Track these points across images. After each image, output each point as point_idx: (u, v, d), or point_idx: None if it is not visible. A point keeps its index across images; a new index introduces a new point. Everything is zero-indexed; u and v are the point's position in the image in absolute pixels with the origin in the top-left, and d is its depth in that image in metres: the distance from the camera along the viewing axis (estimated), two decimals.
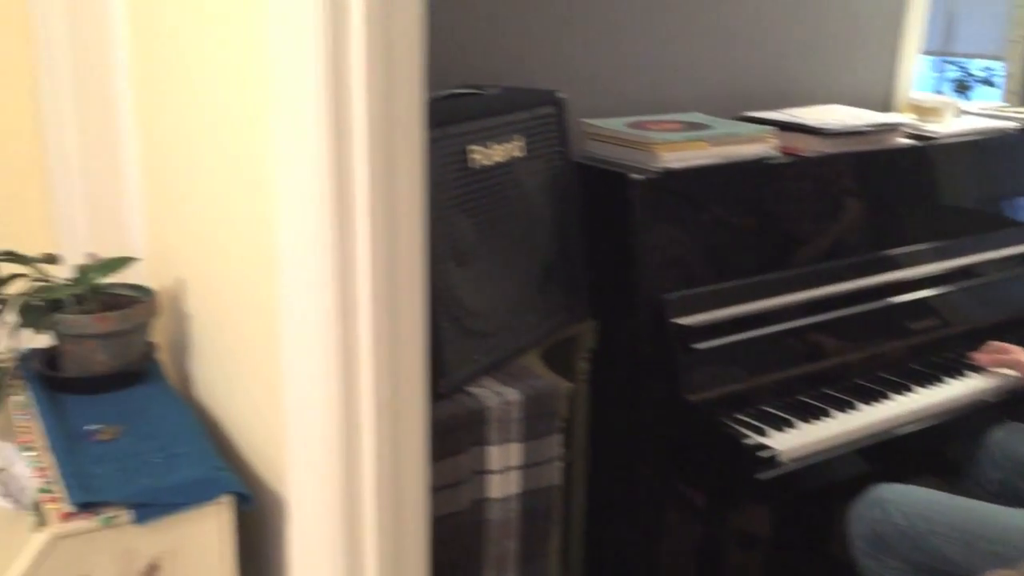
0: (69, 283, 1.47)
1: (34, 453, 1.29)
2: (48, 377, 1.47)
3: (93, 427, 1.34)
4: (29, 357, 1.51)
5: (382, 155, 1.05)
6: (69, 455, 1.25)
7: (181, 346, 1.60)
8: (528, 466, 1.52)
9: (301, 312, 1.11)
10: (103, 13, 1.71)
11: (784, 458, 1.66)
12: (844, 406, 1.82)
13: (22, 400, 1.43)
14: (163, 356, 1.59)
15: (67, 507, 1.15)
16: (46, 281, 1.49)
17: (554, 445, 1.55)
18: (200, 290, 1.50)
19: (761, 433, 1.71)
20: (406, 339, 1.13)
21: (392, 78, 1.04)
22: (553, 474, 1.56)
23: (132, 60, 1.63)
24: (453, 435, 1.42)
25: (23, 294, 1.47)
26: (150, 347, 1.54)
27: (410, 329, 1.14)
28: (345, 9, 0.99)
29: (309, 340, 1.11)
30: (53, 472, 1.22)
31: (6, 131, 2.37)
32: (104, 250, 1.61)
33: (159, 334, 1.59)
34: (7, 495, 1.48)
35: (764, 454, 1.65)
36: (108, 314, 1.45)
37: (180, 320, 1.58)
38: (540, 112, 1.68)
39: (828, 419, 1.78)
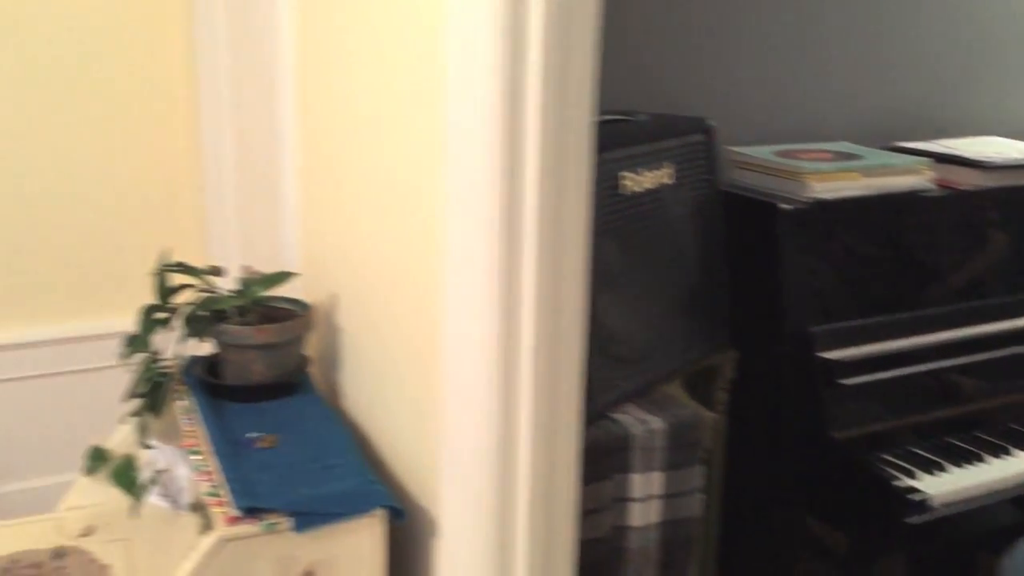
0: (233, 295, 1.53)
1: (200, 457, 1.35)
2: (209, 384, 1.54)
3: (253, 435, 1.39)
4: (192, 364, 1.58)
5: (552, 180, 1.06)
6: (232, 461, 1.31)
7: (331, 359, 1.65)
8: (669, 496, 1.51)
9: (463, 334, 1.13)
10: (268, 32, 1.79)
11: (936, 503, 1.60)
12: (998, 451, 1.74)
13: (186, 405, 1.50)
14: (313, 368, 1.65)
15: (232, 511, 1.20)
16: (211, 292, 1.56)
17: (696, 476, 1.53)
18: (353, 306, 1.54)
19: (910, 475, 1.65)
20: (565, 362, 1.14)
21: (565, 104, 1.05)
22: (694, 505, 1.54)
23: (296, 82, 1.70)
24: (596, 461, 1.42)
25: (190, 304, 1.55)
26: (304, 359, 1.59)
27: (569, 352, 1.15)
28: (523, 37, 1.01)
29: (470, 362, 1.13)
30: (218, 476, 1.28)
31: (165, 146, 2.51)
32: (256, 263, 1.68)
33: (311, 347, 1.64)
34: (165, 495, 1.55)
35: (915, 497, 1.59)
36: (268, 326, 1.51)
37: (331, 334, 1.63)
38: (690, 140, 1.67)
39: (982, 464, 1.71)
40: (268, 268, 1.62)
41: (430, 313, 1.23)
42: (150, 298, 2.27)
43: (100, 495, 1.58)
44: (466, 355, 1.13)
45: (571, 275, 1.12)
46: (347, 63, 1.45)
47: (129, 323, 2.50)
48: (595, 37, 1.08)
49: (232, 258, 2.18)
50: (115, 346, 2.53)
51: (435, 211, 1.19)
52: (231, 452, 1.33)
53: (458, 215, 1.11)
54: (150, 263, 2.57)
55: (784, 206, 1.73)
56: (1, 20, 2.34)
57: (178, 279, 1.55)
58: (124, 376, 2.54)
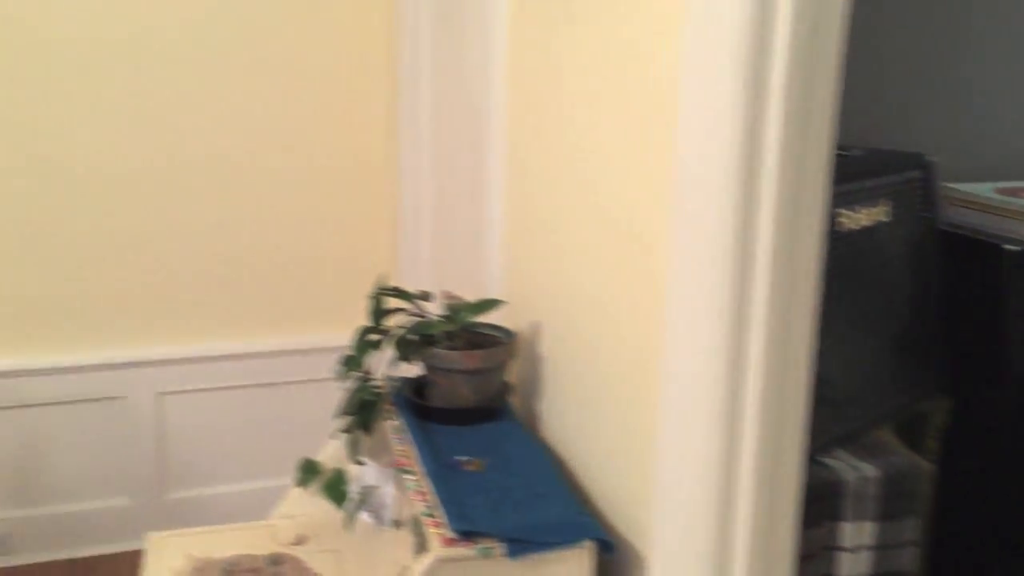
0: (442, 320, 1.58)
1: (413, 477, 1.39)
2: (417, 405, 1.59)
3: (462, 458, 1.43)
4: (400, 385, 1.64)
5: (787, 221, 1.04)
6: (445, 483, 1.34)
7: (532, 387, 1.67)
8: (881, 547, 1.44)
9: (685, 373, 1.12)
10: (476, 67, 1.85)
11: None
12: None
13: (396, 424, 1.55)
14: (513, 395, 1.67)
15: (448, 533, 1.23)
16: (421, 317, 1.61)
17: (911, 528, 1.45)
18: (557, 336, 1.56)
19: None
20: (790, 404, 1.12)
21: (804, 142, 1.03)
22: (907, 559, 1.46)
23: (505, 117, 1.74)
24: (807, 507, 1.37)
25: (400, 327, 1.61)
26: (506, 386, 1.62)
27: (795, 394, 1.12)
28: (765, 80, 1.00)
29: (691, 402, 1.11)
30: (432, 497, 1.31)
31: (368, 180, 2.62)
32: (456, 288, 1.72)
33: (512, 374, 1.67)
34: (370, 511, 1.61)
35: None
36: (475, 352, 1.55)
37: (533, 362, 1.66)
38: (908, 176, 1.61)
39: None
40: (465, 294, 1.67)
41: (647, 349, 1.23)
42: (352, 317, 2.37)
43: (310, 506, 1.65)
44: (688, 395, 1.12)
45: (801, 315, 1.10)
46: (564, 102, 1.47)
47: (329, 339, 2.64)
48: (838, 78, 1.05)
49: (422, 282, 2.26)
50: (316, 360, 2.68)
51: (656, 249, 1.19)
52: (443, 474, 1.37)
53: (684, 254, 1.11)
54: (350, 286, 2.71)
55: (1009, 247, 1.63)
56: (229, 67, 2.51)
57: (391, 303, 1.61)
58: (326, 389, 2.67)
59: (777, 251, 1.05)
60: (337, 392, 2.73)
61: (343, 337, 2.70)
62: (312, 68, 2.56)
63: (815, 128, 1.04)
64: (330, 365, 2.70)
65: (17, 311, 2.50)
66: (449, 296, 1.68)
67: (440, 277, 2.25)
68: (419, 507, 1.31)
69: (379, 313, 1.58)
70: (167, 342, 2.61)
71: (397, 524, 1.56)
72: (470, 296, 1.67)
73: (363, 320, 2.74)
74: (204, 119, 2.51)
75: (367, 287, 2.68)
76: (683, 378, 1.13)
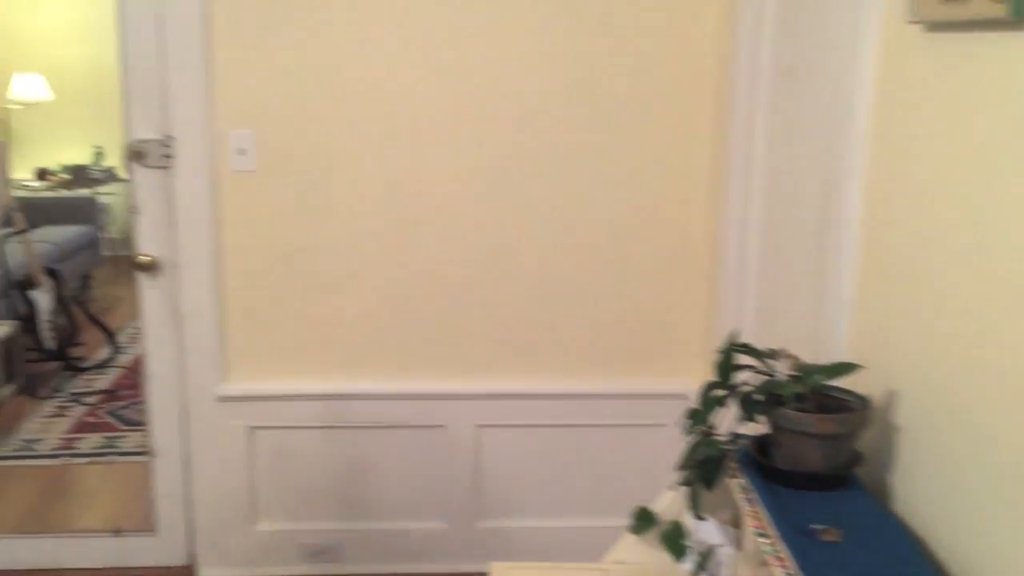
0: (793, 381, 1.55)
1: (767, 540, 1.36)
2: (761, 465, 1.56)
3: (818, 526, 1.38)
4: (743, 442, 1.62)
5: None
6: (803, 551, 1.30)
7: (885, 458, 1.59)
8: None
9: None
10: (823, 121, 1.81)
11: None
12: None
13: (741, 483, 1.53)
14: (864, 465, 1.60)
15: None
16: (770, 375, 1.59)
17: None
18: (921, 406, 1.48)
19: None
20: None
21: None
22: None
23: (868, 170, 1.69)
24: None
25: (746, 384, 1.59)
26: (857, 455, 1.55)
27: None
28: None
29: None
30: (791, 565, 1.28)
31: (684, 227, 2.63)
32: (788, 346, 1.68)
33: (862, 442, 1.60)
34: (705, 570, 1.60)
35: None
36: (830, 416, 1.50)
37: (887, 431, 1.58)
38: None
39: None
40: (799, 352, 1.62)
41: None
42: (667, 365, 2.37)
43: (642, 554, 1.66)
44: None
45: None
46: (959, 157, 1.40)
47: (644, 385, 2.67)
48: None
49: (744, 338, 2.22)
50: (629, 405, 2.72)
51: None
52: (800, 542, 1.33)
53: None
54: (665, 334, 2.73)
55: None
56: (565, 121, 2.64)
57: (740, 359, 1.60)
58: (638, 434, 2.70)
59: None
60: (648, 439, 2.77)
61: (659, 385, 2.74)
62: (639, 122, 2.63)
63: None
64: (642, 411, 2.75)
65: (355, 340, 2.74)
66: (788, 355, 1.64)
67: (765, 333, 2.21)
68: (778, 573, 1.28)
69: (728, 369, 1.58)
70: (489, 378, 2.75)
71: None
72: (806, 356, 1.62)
73: (678, 369, 2.76)
74: (540, 170, 2.65)
75: (682, 336, 2.72)
76: None
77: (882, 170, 1.63)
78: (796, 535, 1.35)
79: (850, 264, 1.73)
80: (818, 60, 1.89)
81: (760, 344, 1.64)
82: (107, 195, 6.79)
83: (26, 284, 4.73)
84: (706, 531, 1.61)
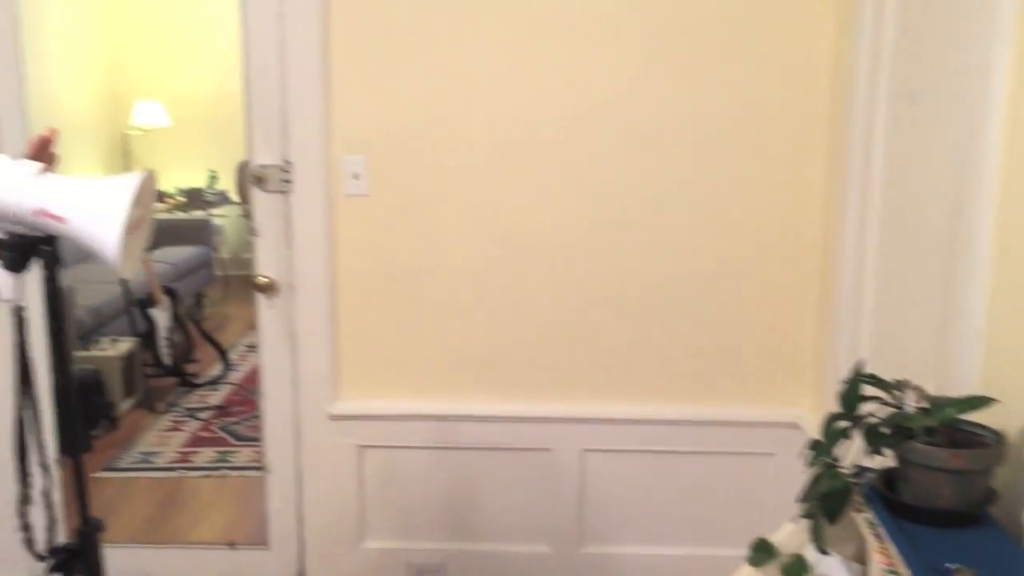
0: (922, 414, 1.50)
1: None
2: (887, 499, 1.51)
3: (953, 565, 1.33)
4: (868, 475, 1.58)
5: None
6: None
7: (1019, 496, 1.52)
8: None
9: None
10: (947, 146, 1.76)
11: None
12: None
13: (868, 518, 1.49)
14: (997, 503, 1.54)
15: None
16: (897, 407, 1.54)
17: None
18: None
19: None
20: None
21: None
22: None
23: (1000, 193, 1.63)
24: None
25: (872, 415, 1.55)
26: (991, 492, 1.49)
27: None
28: None
29: None
30: None
31: (796, 254, 2.58)
32: (909, 377, 1.62)
33: (996, 479, 1.54)
34: None
35: None
36: (964, 451, 1.45)
37: (1022, 469, 1.51)
38: None
39: None
40: (922, 384, 1.57)
41: None
42: (775, 394, 2.32)
43: None
44: None
45: None
46: None
47: (753, 414, 2.63)
48: None
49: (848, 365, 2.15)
50: (735, 433, 2.68)
51: None
52: None
53: None
54: (774, 362, 2.68)
55: None
56: (676, 144, 2.63)
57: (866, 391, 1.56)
58: (745, 462, 2.66)
59: None
60: (757, 468, 2.72)
61: (769, 413, 2.69)
62: (751, 147, 2.60)
63: None
64: (752, 439, 2.70)
65: (464, 362, 2.77)
66: (914, 387, 1.59)
67: (882, 363, 2.15)
68: None
69: (854, 400, 1.54)
70: (596, 402, 2.75)
71: None
72: (928, 387, 1.57)
73: (789, 397, 2.70)
74: (650, 196, 2.64)
75: (794, 364, 2.67)
76: None
77: (1016, 196, 1.58)
78: (930, 574, 1.30)
79: (981, 292, 1.67)
80: (946, 84, 1.84)
81: (876, 374, 1.59)
82: (219, 217, 7.05)
83: (146, 303, 4.94)
84: (829, 566, 1.57)
